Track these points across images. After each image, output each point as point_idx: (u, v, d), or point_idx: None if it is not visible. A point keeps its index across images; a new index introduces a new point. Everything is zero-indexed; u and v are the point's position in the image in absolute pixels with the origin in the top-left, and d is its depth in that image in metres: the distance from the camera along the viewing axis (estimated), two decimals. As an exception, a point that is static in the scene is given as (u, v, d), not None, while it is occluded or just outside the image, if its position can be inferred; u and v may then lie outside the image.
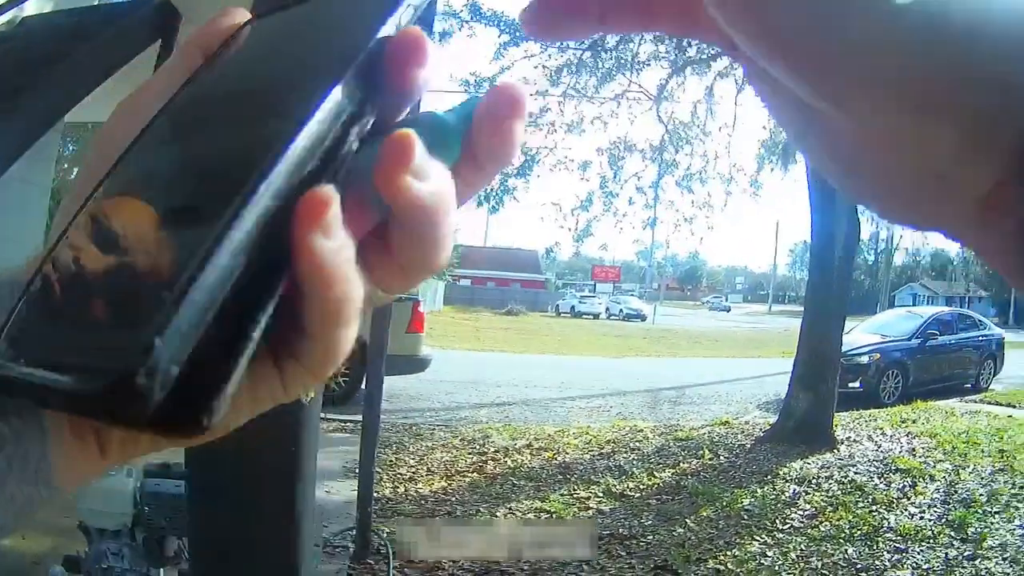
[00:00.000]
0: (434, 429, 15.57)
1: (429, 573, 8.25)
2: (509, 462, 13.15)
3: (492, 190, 19.57)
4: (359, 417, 16.10)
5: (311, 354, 0.64)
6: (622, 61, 19.73)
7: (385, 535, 8.70)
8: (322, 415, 15.54)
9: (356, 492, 9.96)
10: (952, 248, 77.42)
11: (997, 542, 9.52)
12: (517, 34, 18.55)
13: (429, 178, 0.57)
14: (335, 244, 0.55)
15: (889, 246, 78.65)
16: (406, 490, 11.03)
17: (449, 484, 11.73)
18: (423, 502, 10.78)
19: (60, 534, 7.26)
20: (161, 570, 5.75)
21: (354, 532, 8.59)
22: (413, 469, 12.35)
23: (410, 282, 0.66)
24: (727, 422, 17.29)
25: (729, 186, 22.94)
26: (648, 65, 19.92)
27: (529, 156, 19.81)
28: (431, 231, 0.60)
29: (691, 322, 72.92)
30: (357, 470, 11.12)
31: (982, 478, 12.21)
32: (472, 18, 19.09)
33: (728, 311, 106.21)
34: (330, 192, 0.54)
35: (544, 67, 19.04)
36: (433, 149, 0.58)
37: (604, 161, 21.37)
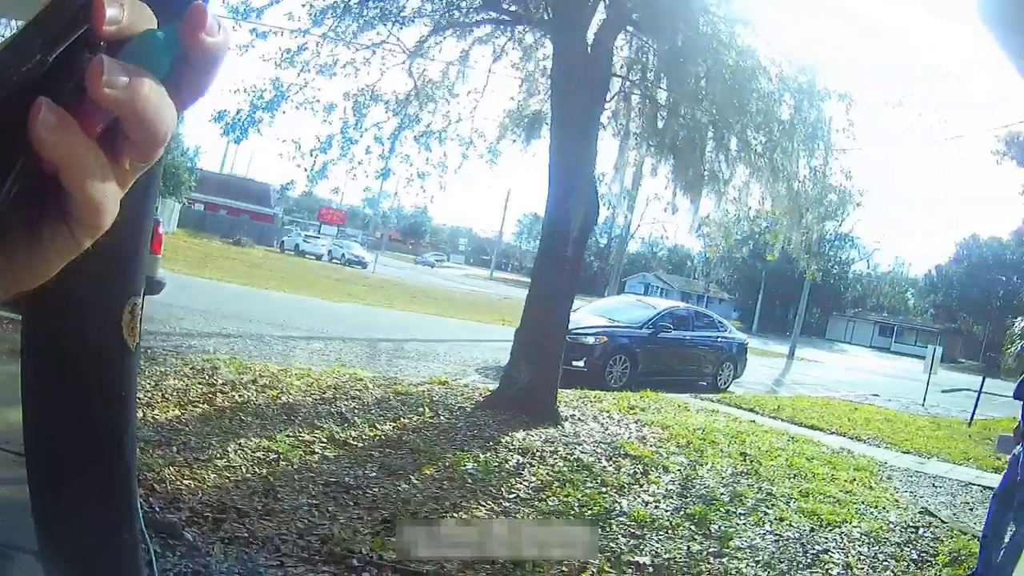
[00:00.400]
0: (167, 355, 15.37)
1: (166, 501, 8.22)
2: (236, 396, 13.11)
3: (238, 119, 19.38)
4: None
5: (83, 208, 0.87)
6: (386, 12, 19.76)
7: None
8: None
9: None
10: (694, 246, 79.55)
11: (745, 543, 9.89)
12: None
13: (120, 85, 0.81)
14: (56, 124, 0.80)
15: (625, 233, 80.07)
16: (143, 415, 10.94)
17: (183, 413, 11.63)
18: (160, 429, 10.66)
19: None
20: None
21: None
22: (150, 394, 12.14)
23: (127, 176, 0.91)
24: (446, 382, 17.57)
25: (467, 149, 23.11)
26: (412, 22, 20.00)
27: (279, 92, 19.67)
28: (136, 125, 0.84)
29: (411, 275, 73.38)
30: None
31: (723, 478, 12.72)
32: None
33: (432, 267, 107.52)
34: (44, 99, 0.80)
35: (311, 5, 18.97)
36: (142, 60, 0.84)
37: (349, 107, 21.31)
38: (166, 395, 12.45)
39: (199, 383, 13.35)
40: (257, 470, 10.06)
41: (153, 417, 11.20)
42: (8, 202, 0.82)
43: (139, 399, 11.47)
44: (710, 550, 9.51)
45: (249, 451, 10.62)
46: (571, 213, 15.80)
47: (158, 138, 0.86)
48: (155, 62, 0.85)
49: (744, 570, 9.12)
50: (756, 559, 9.50)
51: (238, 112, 19.62)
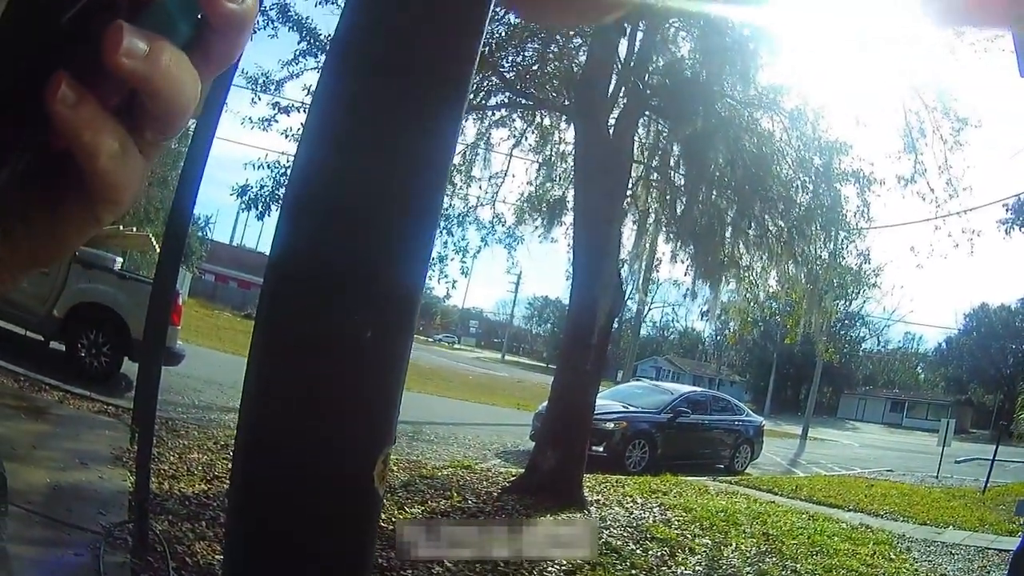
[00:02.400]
0: (189, 427, 15.48)
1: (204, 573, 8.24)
2: (262, 477, 13.02)
3: (261, 194, 19.41)
4: (120, 401, 15.91)
5: (101, 185, 0.83)
6: None
7: (159, 533, 8.63)
8: (86, 394, 15.60)
9: (125, 482, 9.92)
10: (704, 329, 79.29)
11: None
12: (315, 45, 18.51)
13: (139, 55, 0.76)
14: (75, 101, 0.76)
15: (639, 317, 80.00)
16: (170, 487, 10.90)
17: (209, 488, 11.57)
18: (187, 502, 10.61)
19: None
20: None
21: (131, 527, 8.48)
22: (175, 467, 12.18)
23: (149, 149, 0.87)
24: (469, 466, 17.54)
25: (487, 235, 23.07)
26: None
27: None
28: (156, 97, 0.80)
29: (424, 357, 72.99)
30: (125, 458, 11.10)
31: (747, 558, 12.66)
32: (279, 19, 18.91)
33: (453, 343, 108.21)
34: (62, 72, 0.76)
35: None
36: (159, 26, 0.78)
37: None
38: (191, 469, 12.46)
39: (223, 459, 13.33)
40: None
41: (180, 490, 11.19)
42: (19, 176, 0.81)
43: (164, 471, 11.63)
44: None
45: None
46: (598, 301, 15.87)
47: (180, 111, 0.82)
48: (174, 28, 0.80)
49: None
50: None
51: (261, 187, 19.64)
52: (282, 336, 4.89)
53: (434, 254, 22.23)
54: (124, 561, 7.73)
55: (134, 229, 26.41)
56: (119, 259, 20.76)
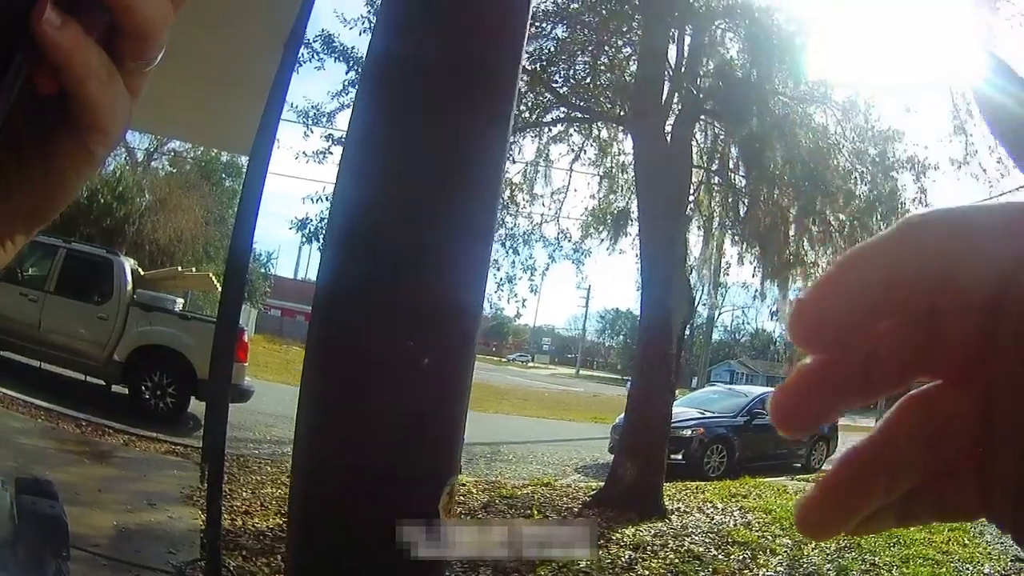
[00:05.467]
0: (261, 463, 15.45)
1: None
2: (339, 509, 12.98)
3: (322, 227, 19.47)
4: (189, 441, 15.93)
5: (91, 112, 0.82)
6: None
7: (232, 569, 8.56)
8: (155, 435, 15.47)
9: (196, 520, 9.86)
10: (775, 329, 78.59)
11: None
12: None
13: None
14: (61, 23, 0.76)
15: (710, 322, 79.64)
16: (243, 523, 10.87)
17: (284, 522, 11.58)
18: (262, 537, 10.64)
19: None
20: None
21: (203, 564, 8.41)
22: (248, 502, 12.19)
23: (133, 81, 0.85)
24: (549, 483, 17.47)
25: (554, 251, 23.04)
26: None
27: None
28: (130, 18, 0.80)
29: (498, 378, 72.89)
30: (195, 497, 11.00)
31: (827, 555, 12.48)
32: (324, 51, 18.97)
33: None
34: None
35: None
36: None
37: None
38: (265, 504, 12.45)
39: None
40: None
41: (254, 525, 11.21)
42: (5, 116, 0.79)
43: (237, 507, 11.62)
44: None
45: None
46: (669, 309, 15.82)
47: (153, 26, 0.82)
48: None
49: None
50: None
51: (320, 220, 19.65)
52: (336, 368, 4.76)
53: (502, 274, 22.19)
54: (197, 600, 7.47)
55: (193, 269, 26.98)
56: (179, 300, 20.89)
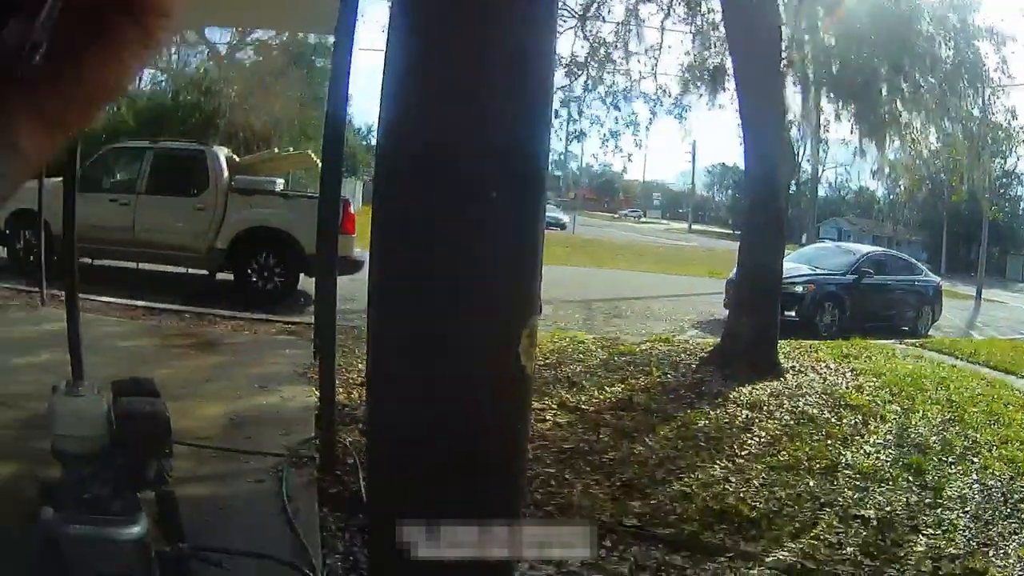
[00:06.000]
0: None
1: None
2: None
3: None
4: (300, 318, 15.98)
5: None
6: None
7: (349, 444, 8.50)
8: (265, 317, 15.64)
9: (311, 398, 9.93)
10: (877, 188, 77.42)
11: (956, 494, 9.59)
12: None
13: None
14: None
15: (814, 177, 78.75)
16: (359, 395, 10.63)
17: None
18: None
19: (28, 457, 6.98)
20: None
21: (317, 441, 8.37)
22: (363, 374, 12.24)
23: None
24: (668, 339, 17.50)
25: (655, 107, 22.97)
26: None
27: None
28: None
29: (612, 234, 72.51)
30: (309, 375, 11.09)
31: (933, 425, 12.38)
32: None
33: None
34: None
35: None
36: None
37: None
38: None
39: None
40: None
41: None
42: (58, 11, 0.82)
43: (352, 380, 11.46)
44: (926, 501, 9.23)
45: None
46: (774, 165, 15.70)
47: None
48: None
49: (955, 521, 8.82)
50: (965, 510, 9.17)
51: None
52: (402, 214, 4.65)
53: (605, 129, 22.17)
54: (311, 479, 7.65)
55: (291, 150, 27.61)
56: (280, 181, 20.85)
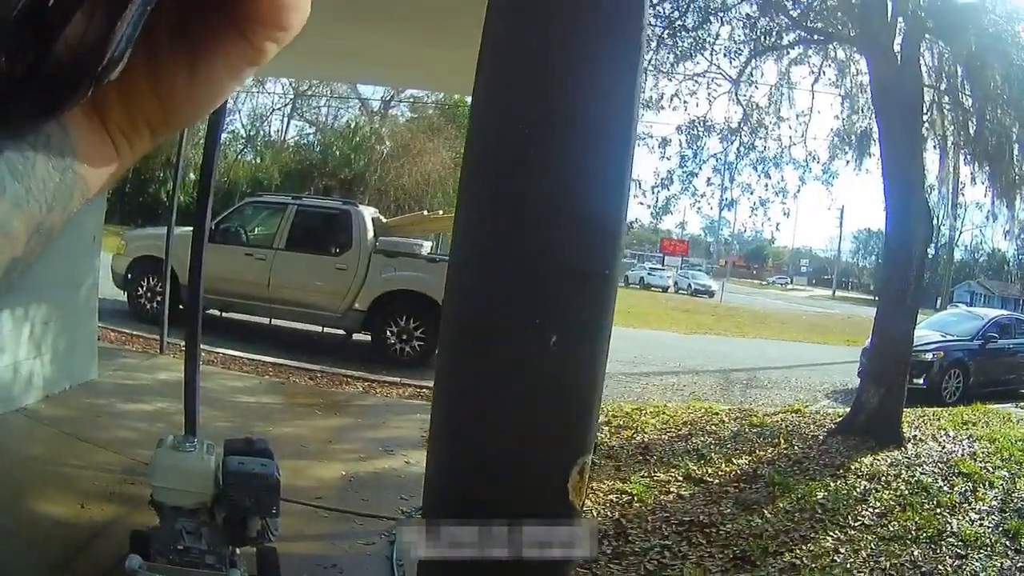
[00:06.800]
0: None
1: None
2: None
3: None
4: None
5: (269, 4, 0.76)
6: (700, 42, 19.77)
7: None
8: (398, 380, 15.30)
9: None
10: (1009, 248, 75.41)
11: (1050, 558, 9.52)
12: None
13: None
14: None
15: (951, 241, 77.04)
16: None
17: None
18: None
19: (123, 504, 7.30)
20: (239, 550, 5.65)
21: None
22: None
23: None
24: (799, 410, 17.37)
25: (804, 173, 22.87)
26: (729, 52, 19.98)
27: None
28: None
29: (758, 301, 71.55)
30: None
31: (1036, 491, 12.19)
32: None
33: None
34: None
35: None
36: None
37: (683, 140, 21.34)
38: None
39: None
40: (609, 513, 9.93)
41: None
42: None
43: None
44: (1018, 565, 9.18)
45: (602, 494, 10.46)
46: (910, 231, 15.51)
47: None
48: None
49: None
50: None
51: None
52: (468, 332, 4.67)
53: (755, 198, 22.13)
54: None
55: (440, 212, 26.25)
56: (427, 244, 20.41)
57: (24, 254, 0.74)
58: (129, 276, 19.00)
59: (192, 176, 20.60)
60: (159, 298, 16.09)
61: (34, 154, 0.71)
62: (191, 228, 9.71)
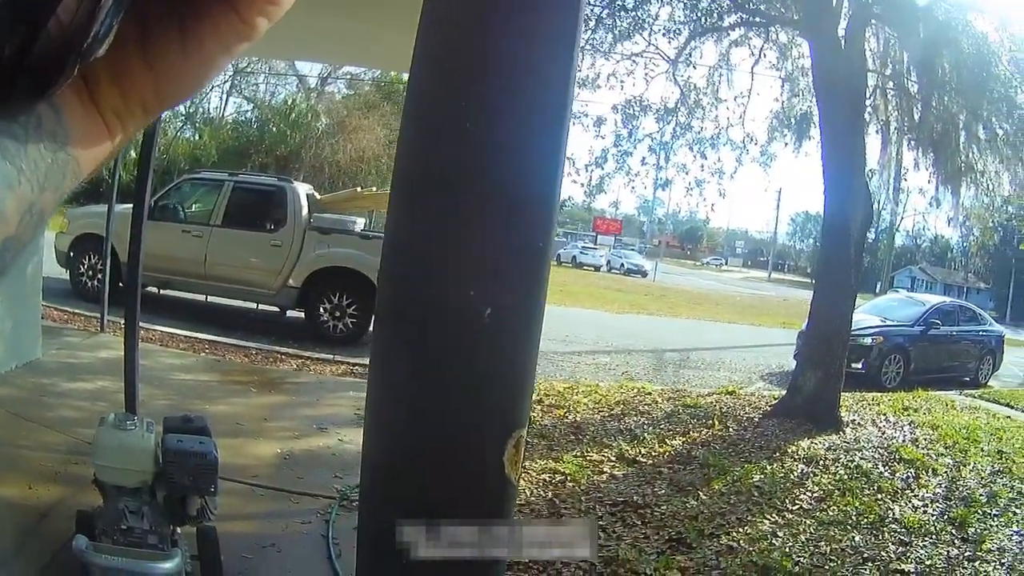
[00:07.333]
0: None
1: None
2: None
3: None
4: (367, 361, 15.94)
5: None
6: (639, 22, 19.72)
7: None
8: (331, 358, 15.27)
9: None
10: (953, 235, 76.36)
11: (995, 546, 9.41)
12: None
13: None
14: None
15: (892, 227, 77.81)
16: None
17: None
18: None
19: (68, 484, 7.15)
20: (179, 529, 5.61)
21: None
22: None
23: None
24: (733, 392, 17.35)
25: (741, 155, 22.80)
26: (668, 31, 19.93)
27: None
28: None
29: (691, 281, 72.06)
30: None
31: (982, 477, 12.08)
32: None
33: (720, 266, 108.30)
34: None
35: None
36: None
37: (619, 119, 21.28)
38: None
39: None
40: (542, 492, 9.85)
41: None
42: None
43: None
44: (965, 555, 9.07)
45: (535, 473, 10.37)
46: (849, 214, 15.43)
47: None
48: None
49: (991, 573, 8.64)
50: (1002, 561, 8.99)
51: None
52: (403, 307, 4.53)
53: (691, 178, 22.13)
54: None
55: (375, 189, 26.23)
56: (360, 221, 20.44)
57: (17, 234, 0.76)
58: (71, 254, 18.95)
59: (133, 154, 20.43)
60: (100, 276, 16.03)
61: (25, 135, 0.73)
62: (131, 206, 9.68)
